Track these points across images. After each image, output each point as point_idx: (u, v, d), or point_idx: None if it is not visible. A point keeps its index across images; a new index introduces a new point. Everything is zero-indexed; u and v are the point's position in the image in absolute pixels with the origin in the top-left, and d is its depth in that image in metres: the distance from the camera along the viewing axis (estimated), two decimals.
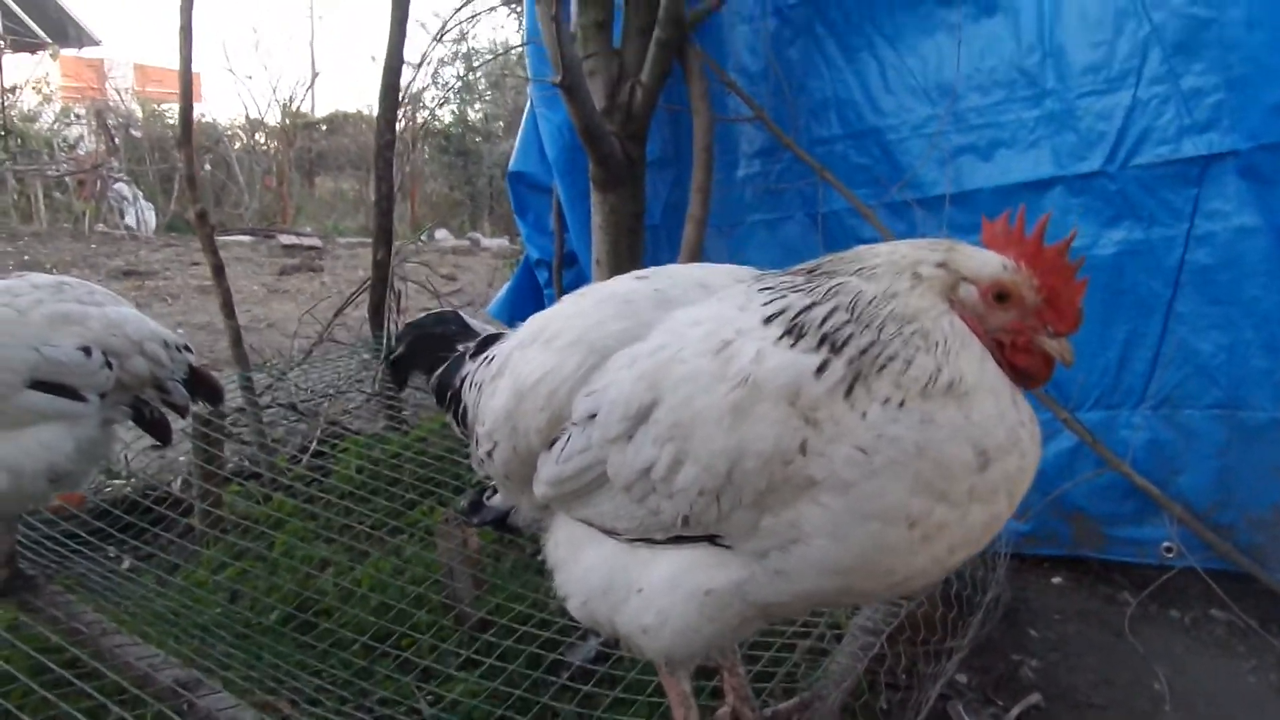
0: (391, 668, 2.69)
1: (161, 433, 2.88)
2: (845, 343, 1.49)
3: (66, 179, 18.32)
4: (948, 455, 1.45)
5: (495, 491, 2.17)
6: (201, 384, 2.91)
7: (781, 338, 1.52)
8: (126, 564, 3.53)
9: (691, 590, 1.64)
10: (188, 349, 2.88)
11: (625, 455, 1.63)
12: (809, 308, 1.54)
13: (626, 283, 1.87)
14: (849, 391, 1.46)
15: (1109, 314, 4.04)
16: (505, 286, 5.89)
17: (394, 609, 2.89)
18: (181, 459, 4.65)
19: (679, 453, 1.56)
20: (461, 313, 2.23)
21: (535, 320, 1.93)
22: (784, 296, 1.59)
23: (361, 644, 2.75)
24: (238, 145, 21.21)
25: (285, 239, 15.31)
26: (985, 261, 1.54)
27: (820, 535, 1.49)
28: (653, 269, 1.91)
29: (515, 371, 1.85)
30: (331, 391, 4.74)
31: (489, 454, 1.90)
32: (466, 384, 1.98)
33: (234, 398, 4.34)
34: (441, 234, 15.73)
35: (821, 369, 1.48)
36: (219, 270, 4.16)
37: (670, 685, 1.83)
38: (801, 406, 1.46)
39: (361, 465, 3.88)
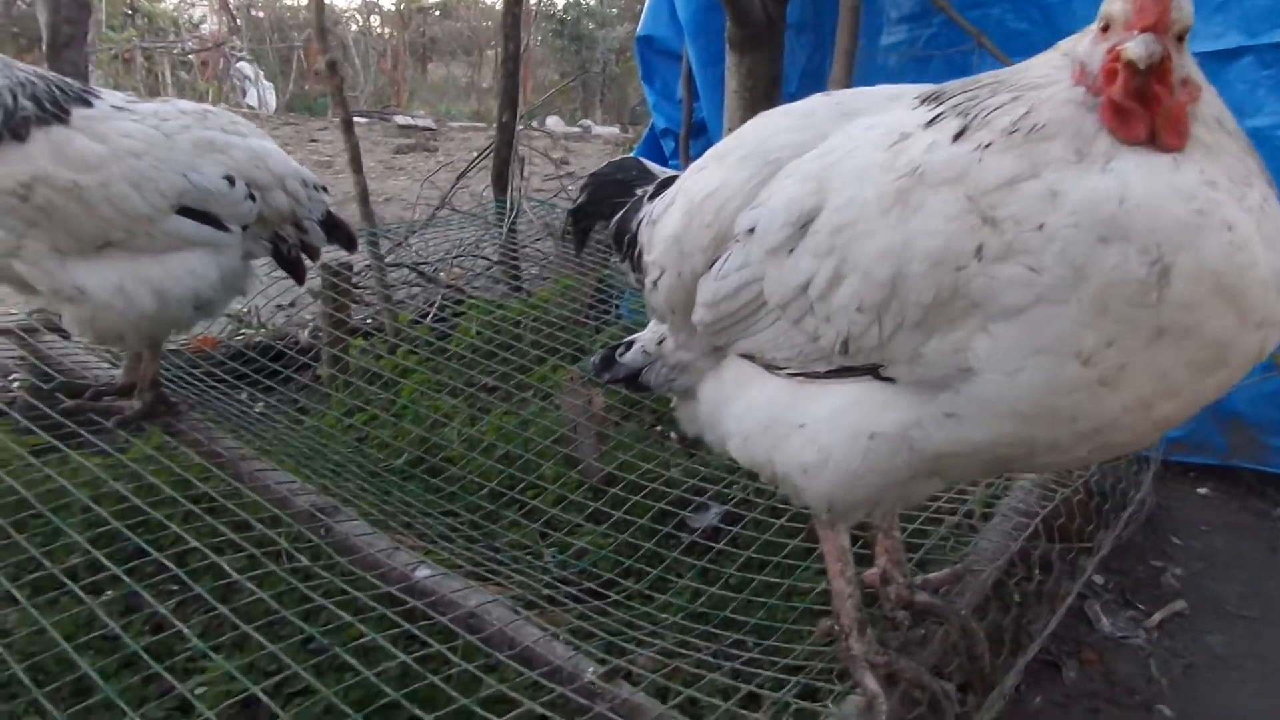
0: (517, 515, 2.69)
1: (297, 272, 2.87)
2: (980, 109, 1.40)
3: (191, 58, 18.71)
4: (1109, 273, 1.22)
5: (628, 349, 2.12)
6: (337, 227, 2.88)
7: (955, 130, 1.40)
8: (259, 407, 3.63)
9: (855, 430, 1.53)
10: (325, 190, 2.84)
11: (782, 270, 1.55)
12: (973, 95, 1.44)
13: (811, 100, 1.74)
14: (959, 136, 1.37)
15: None
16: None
17: (519, 459, 2.88)
18: (306, 315, 4.75)
19: (839, 265, 1.46)
20: (641, 159, 2.14)
21: (713, 147, 1.84)
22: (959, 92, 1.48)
23: (489, 490, 2.75)
24: (354, 28, 21.26)
25: (401, 119, 15.38)
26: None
27: (991, 369, 1.34)
28: (841, 90, 1.75)
29: (687, 191, 1.77)
30: (456, 254, 4.72)
31: (655, 283, 1.82)
32: (643, 224, 1.90)
33: (359, 257, 4.36)
34: (553, 120, 15.53)
35: (959, 135, 1.38)
36: (348, 124, 4.12)
37: (828, 539, 1.72)
38: (980, 202, 1.31)
39: (482, 328, 3.86)
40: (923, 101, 1.53)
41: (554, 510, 2.67)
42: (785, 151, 1.64)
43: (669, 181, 1.96)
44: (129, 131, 2.42)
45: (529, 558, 2.48)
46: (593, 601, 2.22)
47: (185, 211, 2.50)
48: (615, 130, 14.74)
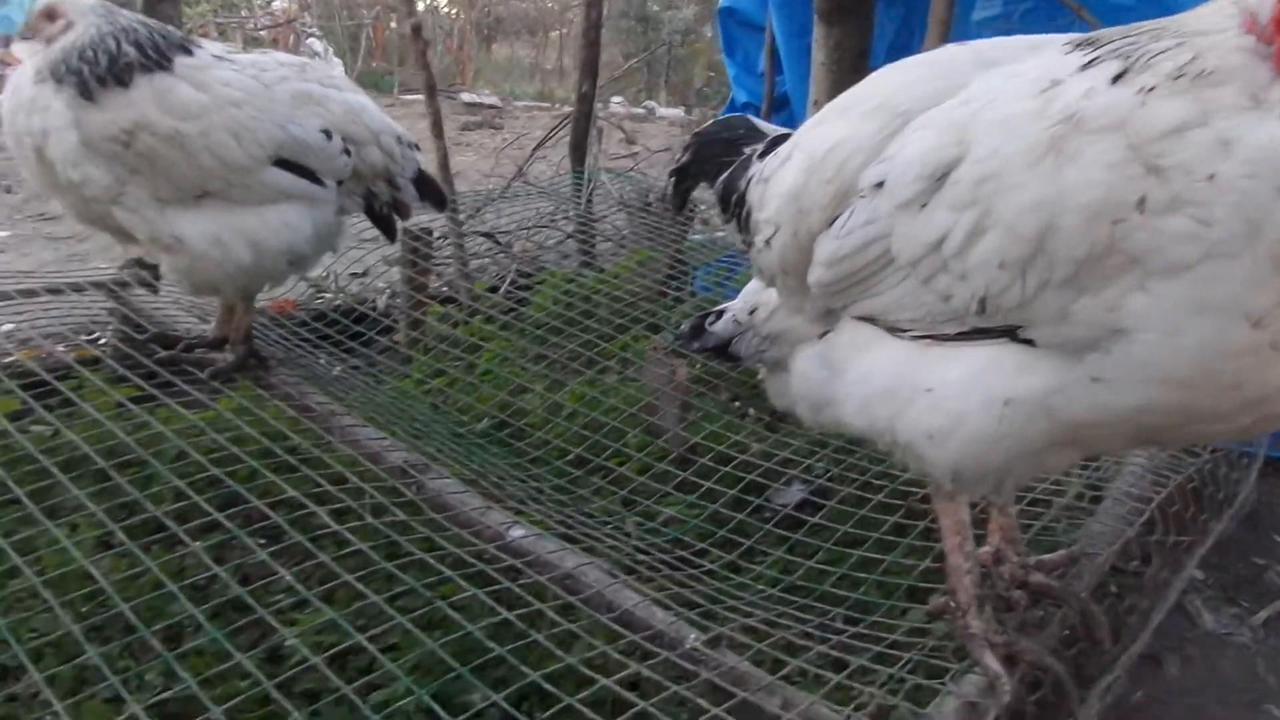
0: (602, 481, 2.64)
1: (388, 229, 2.85)
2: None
3: (262, 34, 19.00)
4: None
5: (718, 318, 2.06)
6: (428, 186, 2.86)
7: (1114, 72, 1.31)
8: (337, 370, 3.63)
9: (989, 397, 1.44)
10: (417, 148, 2.81)
11: (914, 225, 1.46)
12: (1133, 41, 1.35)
13: (946, 49, 1.67)
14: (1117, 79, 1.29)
15: None
16: None
17: (603, 428, 2.84)
18: (380, 284, 4.76)
19: (980, 218, 1.37)
20: (750, 117, 2.06)
21: (834, 100, 1.75)
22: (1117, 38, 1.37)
23: (574, 456, 2.71)
24: (421, 7, 21.40)
25: (467, 97, 15.47)
26: None
27: (1148, 330, 1.25)
28: (978, 40, 1.66)
29: (806, 146, 1.69)
30: (531, 225, 4.70)
31: (767, 241, 1.74)
32: (752, 183, 1.82)
33: (437, 224, 4.35)
34: (617, 101, 15.46)
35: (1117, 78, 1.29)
36: (431, 89, 4.11)
37: (947, 511, 1.64)
38: (1144, 151, 1.22)
39: (559, 297, 3.82)
40: (1076, 47, 1.44)
41: (640, 479, 2.62)
42: (918, 103, 1.55)
43: (780, 139, 1.88)
44: (229, 81, 2.42)
45: (616, 524, 2.44)
46: (686, 570, 2.17)
47: (282, 164, 2.49)
48: (680, 112, 14.63)
